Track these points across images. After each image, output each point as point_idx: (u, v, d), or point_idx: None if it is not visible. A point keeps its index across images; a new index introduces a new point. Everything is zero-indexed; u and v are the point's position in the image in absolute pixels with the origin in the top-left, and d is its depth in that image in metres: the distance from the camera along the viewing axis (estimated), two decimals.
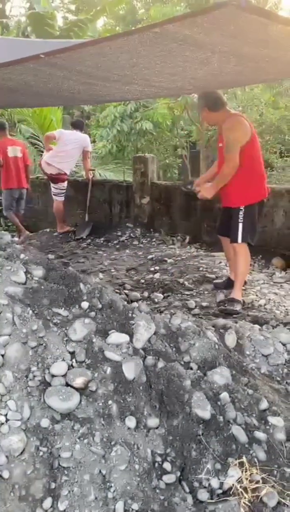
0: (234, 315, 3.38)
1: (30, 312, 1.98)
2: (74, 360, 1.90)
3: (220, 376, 2.09)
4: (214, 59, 2.23)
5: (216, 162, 3.82)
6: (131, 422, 1.79)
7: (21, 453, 1.59)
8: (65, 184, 6.52)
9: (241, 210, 3.52)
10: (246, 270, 3.85)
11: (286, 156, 10.37)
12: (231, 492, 1.67)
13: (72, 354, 1.92)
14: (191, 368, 2.13)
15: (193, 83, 2.98)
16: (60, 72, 2.39)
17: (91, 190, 6.72)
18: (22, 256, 2.27)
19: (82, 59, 2.10)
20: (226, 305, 3.56)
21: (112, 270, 4.73)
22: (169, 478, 1.71)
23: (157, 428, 1.83)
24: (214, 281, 4.12)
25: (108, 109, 9.41)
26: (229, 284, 3.85)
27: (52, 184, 6.54)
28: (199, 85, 3.09)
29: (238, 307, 3.49)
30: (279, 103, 11.21)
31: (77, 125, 6.63)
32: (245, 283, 3.93)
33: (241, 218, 3.52)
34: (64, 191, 6.54)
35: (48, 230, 6.93)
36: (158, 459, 1.76)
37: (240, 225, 3.53)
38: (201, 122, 11.04)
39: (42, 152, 7.21)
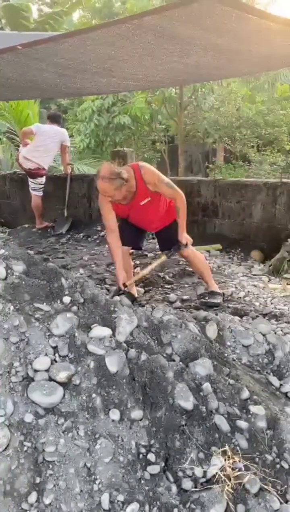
0: (215, 308, 3.42)
1: (11, 307, 1.96)
2: (57, 354, 1.89)
3: (202, 367, 2.11)
4: (192, 52, 2.23)
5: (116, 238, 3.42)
6: (115, 414, 1.80)
7: (5, 448, 1.57)
8: (44, 179, 6.44)
9: (176, 220, 3.47)
10: (206, 263, 3.85)
11: (263, 150, 10.47)
12: (214, 480, 1.70)
13: (55, 348, 1.91)
14: (174, 360, 2.15)
15: (172, 76, 2.98)
16: (37, 64, 2.36)
17: (70, 185, 6.66)
18: (2, 251, 2.24)
19: (60, 51, 2.07)
20: (207, 298, 3.60)
21: (93, 265, 4.72)
22: (154, 469, 1.73)
23: (141, 420, 1.84)
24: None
25: (85, 103, 9.36)
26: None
27: (30, 179, 6.45)
28: (178, 78, 3.09)
29: (219, 300, 3.53)
30: (255, 97, 11.34)
31: (54, 119, 6.49)
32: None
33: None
34: (43, 186, 6.46)
35: (26, 226, 6.85)
36: (143, 450, 1.77)
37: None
38: (179, 116, 11.08)
39: (19, 147, 7.10)
